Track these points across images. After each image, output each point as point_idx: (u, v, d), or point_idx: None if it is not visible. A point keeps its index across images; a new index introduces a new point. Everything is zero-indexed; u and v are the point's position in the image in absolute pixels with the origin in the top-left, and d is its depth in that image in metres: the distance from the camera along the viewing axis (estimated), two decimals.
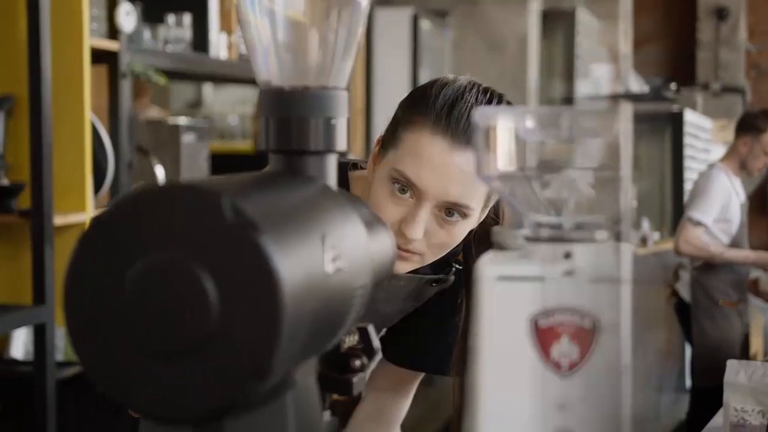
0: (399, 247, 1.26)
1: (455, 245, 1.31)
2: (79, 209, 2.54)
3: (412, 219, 1.25)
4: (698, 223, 4.22)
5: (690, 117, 7.22)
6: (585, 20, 7.49)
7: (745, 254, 4.47)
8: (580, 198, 0.73)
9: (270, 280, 0.61)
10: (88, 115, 2.54)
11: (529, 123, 0.72)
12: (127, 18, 2.68)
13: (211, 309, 0.61)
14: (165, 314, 0.62)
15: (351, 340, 0.90)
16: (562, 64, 7.36)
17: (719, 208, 4.26)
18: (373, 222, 0.87)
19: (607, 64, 5.70)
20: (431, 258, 1.31)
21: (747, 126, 4.35)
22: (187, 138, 3.19)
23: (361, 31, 0.85)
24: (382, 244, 0.87)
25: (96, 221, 0.64)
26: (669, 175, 7.31)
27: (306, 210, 0.71)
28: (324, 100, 0.82)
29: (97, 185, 2.65)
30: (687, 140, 7.09)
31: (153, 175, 2.94)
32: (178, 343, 0.62)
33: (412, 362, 1.54)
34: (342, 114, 0.82)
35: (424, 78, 6.35)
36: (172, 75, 3.31)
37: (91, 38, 2.58)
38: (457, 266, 1.45)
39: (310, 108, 0.81)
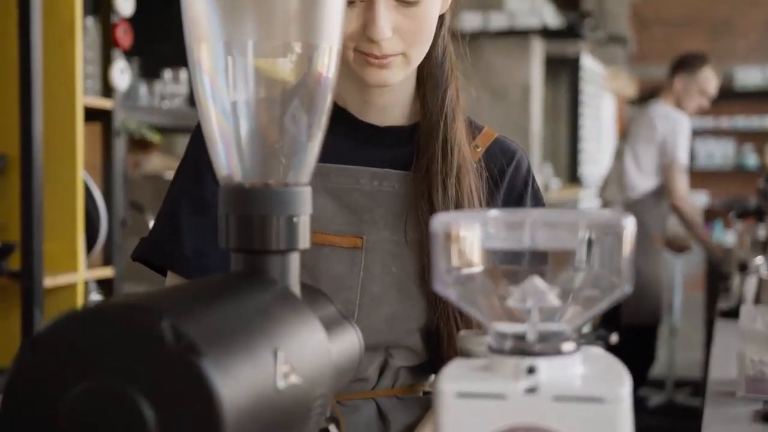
0: (375, 56, 1.18)
1: (432, 29, 1.21)
2: (70, 270, 2.52)
3: (372, 20, 1.15)
4: (686, 167, 4.31)
5: (587, 62, 7.23)
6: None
7: (710, 240, 4.65)
8: (546, 306, 0.70)
9: (211, 407, 0.58)
10: (81, 175, 2.52)
11: (492, 229, 0.70)
12: (122, 76, 2.67)
13: None
14: None
15: None
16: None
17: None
18: (336, 321, 0.84)
19: None
20: (416, 55, 1.21)
21: (683, 64, 4.46)
22: None
23: (325, 120, 0.83)
24: (346, 343, 0.84)
25: (31, 342, 0.61)
26: (565, 120, 7.30)
27: (259, 322, 0.68)
28: (286, 197, 0.79)
29: (90, 244, 2.63)
30: (582, 86, 7.10)
31: (147, 231, 2.91)
32: None
33: None
34: (305, 211, 0.80)
35: None
36: (169, 130, 3.30)
37: (85, 96, 2.57)
38: None
39: (272, 206, 0.78)
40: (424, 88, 1.30)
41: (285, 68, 0.79)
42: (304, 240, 0.80)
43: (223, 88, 0.78)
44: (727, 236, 6.83)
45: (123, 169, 2.81)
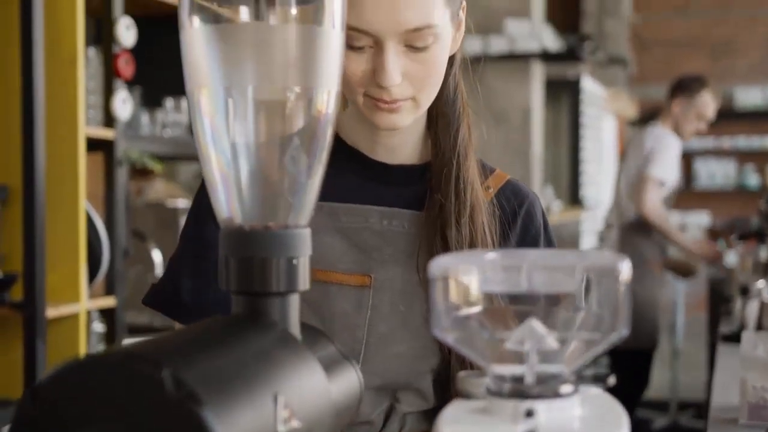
0: (385, 101, 1.17)
1: (441, 73, 1.20)
2: (73, 300, 2.53)
3: (381, 66, 1.14)
4: (661, 183, 4.22)
5: (587, 84, 7.25)
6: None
7: (690, 242, 4.50)
8: (544, 349, 0.70)
9: None
10: (83, 205, 2.53)
11: (489, 272, 0.70)
12: (124, 106, 2.68)
13: None
14: None
15: None
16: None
17: (676, 170, 4.32)
18: (336, 361, 0.85)
19: (522, 19, 5.56)
20: (426, 99, 1.20)
21: (681, 88, 4.44)
22: None
23: (324, 159, 0.84)
24: (346, 383, 0.85)
25: (33, 390, 0.62)
26: (566, 142, 7.29)
27: (258, 367, 0.69)
28: (286, 239, 0.80)
29: (92, 274, 2.63)
30: (582, 108, 7.12)
31: (150, 260, 2.92)
32: None
33: None
34: (304, 253, 0.80)
35: None
36: (171, 158, 3.32)
37: (88, 127, 2.58)
38: None
39: (272, 248, 0.79)
40: (436, 128, 1.29)
41: (284, 111, 0.80)
42: (304, 281, 0.80)
43: (223, 131, 0.79)
44: (730, 257, 6.78)
45: (125, 197, 2.82)
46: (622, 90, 9.13)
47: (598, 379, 0.72)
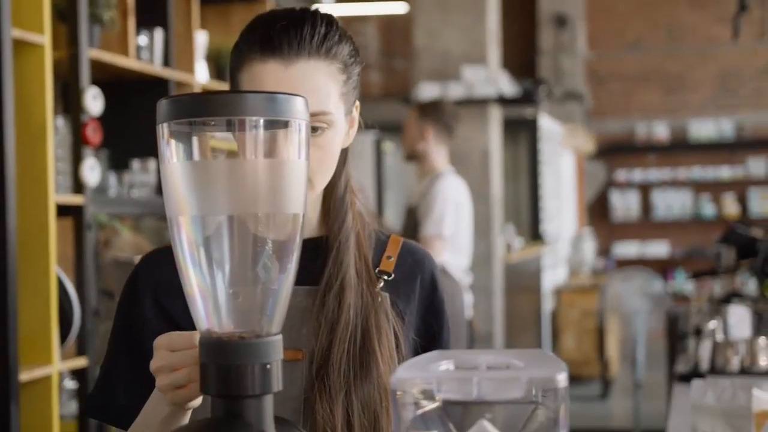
0: None
1: (334, 160, 1.26)
2: (45, 362, 2.58)
3: None
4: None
5: (544, 122, 7.44)
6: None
7: None
8: None
9: None
10: (54, 270, 2.59)
11: (445, 383, 0.79)
12: (92, 172, 2.76)
13: None
14: None
15: None
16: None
17: None
18: None
19: (478, 66, 5.66)
20: (320, 182, 1.26)
21: None
22: None
23: (294, 268, 0.92)
24: None
25: None
26: (525, 179, 7.44)
27: None
28: (260, 347, 0.89)
29: (64, 336, 2.69)
30: (540, 145, 7.29)
31: None
32: None
33: None
34: (276, 357, 0.89)
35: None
36: (138, 216, 3.39)
37: (57, 194, 2.65)
38: (386, 277, 1.34)
39: (247, 356, 0.88)
40: (328, 221, 1.34)
41: (256, 234, 0.89)
42: (277, 383, 0.89)
43: (200, 253, 0.88)
44: (687, 285, 6.87)
45: (94, 260, 2.89)
46: (580, 125, 9.30)
47: None
